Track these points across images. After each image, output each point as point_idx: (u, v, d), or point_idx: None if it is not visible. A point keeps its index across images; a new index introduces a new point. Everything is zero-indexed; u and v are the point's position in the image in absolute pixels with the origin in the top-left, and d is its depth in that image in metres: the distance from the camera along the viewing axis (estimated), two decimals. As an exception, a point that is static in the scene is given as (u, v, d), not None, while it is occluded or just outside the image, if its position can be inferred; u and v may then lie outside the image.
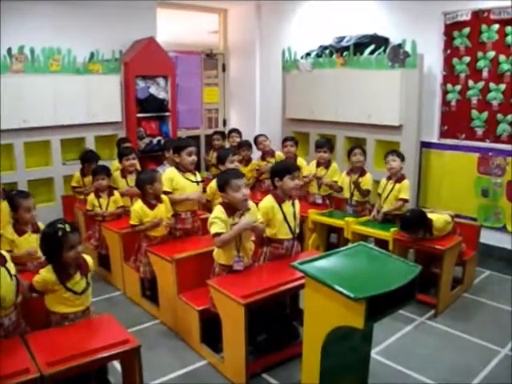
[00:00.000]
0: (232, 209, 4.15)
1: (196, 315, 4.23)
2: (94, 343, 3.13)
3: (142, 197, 5.19)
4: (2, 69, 6.95)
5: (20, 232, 4.38)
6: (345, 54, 7.33)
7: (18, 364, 2.88)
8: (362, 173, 6.07)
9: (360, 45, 7.19)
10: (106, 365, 3.67)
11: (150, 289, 5.16)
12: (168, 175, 5.25)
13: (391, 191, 5.63)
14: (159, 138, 8.30)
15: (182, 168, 5.36)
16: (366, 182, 6.00)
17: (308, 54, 7.99)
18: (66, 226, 3.43)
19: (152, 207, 5.09)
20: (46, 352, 3.01)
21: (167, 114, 8.44)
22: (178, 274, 4.44)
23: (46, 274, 3.42)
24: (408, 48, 6.58)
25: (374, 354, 3.99)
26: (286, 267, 3.92)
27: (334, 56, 7.49)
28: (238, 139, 8.21)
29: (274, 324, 4.34)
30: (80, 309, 3.49)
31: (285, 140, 7.12)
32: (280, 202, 4.40)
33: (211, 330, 4.18)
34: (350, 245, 4.87)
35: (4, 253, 3.45)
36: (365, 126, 7.17)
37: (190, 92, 9.14)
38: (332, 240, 6.43)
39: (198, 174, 5.55)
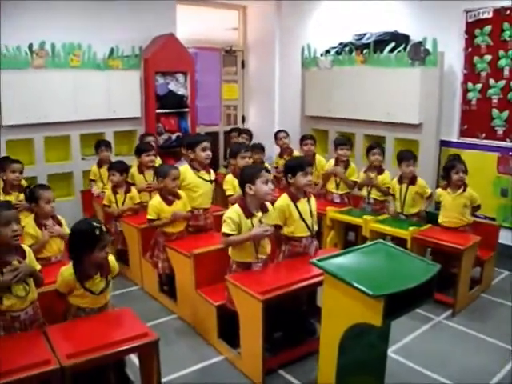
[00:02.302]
0: (250, 209, 4.14)
1: (214, 310, 4.24)
2: (113, 336, 3.14)
3: (160, 192, 5.20)
4: (23, 64, 7.01)
5: (41, 226, 4.41)
6: (365, 51, 7.31)
7: (39, 355, 2.91)
8: (380, 171, 6.07)
9: (380, 42, 7.16)
10: (123, 358, 3.69)
11: (167, 284, 5.19)
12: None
13: (406, 194, 5.64)
14: (178, 133, 8.33)
15: (196, 165, 5.35)
16: (386, 180, 5.99)
17: (327, 52, 7.98)
18: (100, 225, 3.42)
19: (169, 203, 5.10)
20: (66, 344, 3.04)
21: (186, 110, 8.46)
22: (195, 269, 4.47)
23: (66, 273, 3.44)
24: (429, 46, 6.54)
25: (390, 352, 3.97)
26: (304, 264, 3.95)
27: (354, 53, 7.48)
28: (247, 142, 8.21)
29: (291, 320, 4.34)
30: (96, 306, 3.52)
31: (303, 138, 7.07)
32: (295, 200, 4.37)
33: (228, 326, 4.19)
34: (368, 243, 4.91)
35: (25, 247, 3.49)
36: (384, 124, 7.14)
37: (209, 88, 9.14)
38: (350, 238, 6.41)
39: (212, 172, 5.55)
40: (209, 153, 5.37)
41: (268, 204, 4.26)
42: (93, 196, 6.98)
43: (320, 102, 8.04)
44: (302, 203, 4.40)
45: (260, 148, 7.31)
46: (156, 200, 5.12)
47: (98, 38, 7.59)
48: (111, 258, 3.62)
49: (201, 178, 5.35)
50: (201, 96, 8.81)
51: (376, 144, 6.33)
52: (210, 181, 5.45)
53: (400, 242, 5.04)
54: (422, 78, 6.61)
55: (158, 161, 6.73)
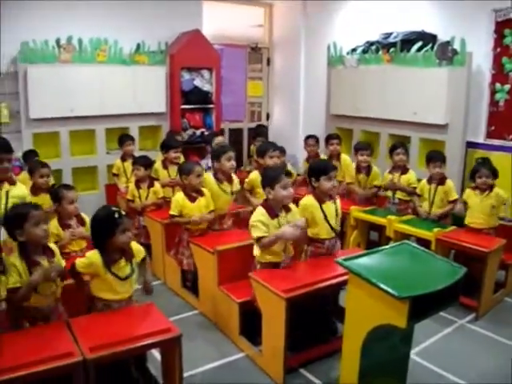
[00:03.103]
0: (274, 209, 4.15)
1: (236, 307, 4.25)
2: (136, 330, 3.15)
3: (183, 189, 5.20)
4: (50, 59, 7.10)
5: (64, 226, 4.45)
6: (391, 50, 7.25)
7: (62, 347, 2.93)
8: (404, 171, 6.03)
9: (407, 41, 7.10)
10: (145, 352, 3.70)
11: (191, 280, 5.20)
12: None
13: (435, 194, 5.59)
14: (203, 129, 8.38)
15: (220, 176, 5.34)
16: (411, 179, 5.95)
17: (354, 50, 7.93)
18: (120, 210, 3.48)
19: (193, 200, 5.07)
20: (89, 337, 3.05)
21: (211, 106, 8.51)
22: (219, 265, 4.48)
23: (93, 256, 3.43)
24: (456, 45, 6.48)
25: (412, 354, 3.94)
26: (328, 263, 3.94)
27: (381, 52, 7.42)
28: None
29: (314, 319, 4.33)
30: (124, 296, 3.50)
31: (329, 138, 7.01)
32: (320, 201, 4.37)
33: (250, 323, 4.19)
34: (392, 243, 4.87)
35: (52, 246, 3.53)
36: (410, 124, 7.08)
37: (234, 85, 9.17)
38: (372, 238, 6.38)
39: (235, 181, 5.52)
40: (233, 163, 5.35)
41: (292, 205, 4.28)
42: (117, 190, 7.02)
43: (345, 100, 8.00)
44: (328, 205, 4.39)
45: (282, 151, 7.28)
46: (179, 196, 5.10)
47: (124, 33, 7.67)
48: (134, 243, 3.64)
49: (222, 189, 5.33)
50: (226, 92, 8.84)
51: (399, 144, 6.27)
52: (231, 192, 5.43)
53: (424, 243, 5.00)
54: (449, 78, 6.54)
55: (182, 158, 6.73)
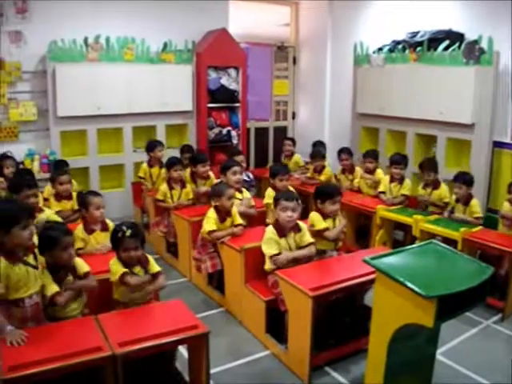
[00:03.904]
0: (282, 229, 4.41)
1: (262, 305, 4.26)
2: (165, 326, 3.18)
3: (215, 208, 5.17)
4: (78, 57, 7.18)
5: (89, 231, 4.56)
6: (418, 49, 7.19)
7: (91, 342, 2.97)
8: (436, 185, 6.02)
9: (434, 40, 7.03)
10: (174, 349, 3.74)
11: (216, 277, 5.22)
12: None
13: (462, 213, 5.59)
14: (229, 128, 8.40)
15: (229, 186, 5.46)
16: (443, 194, 5.97)
17: (380, 49, 7.89)
18: (128, 230, 3.65)
19: (222, 220, 5.12)
20: (118, 332, 3.09)
21: (237, 104, 8.54)
22: (245, 263, 4.51)
23: (114, 261, 3.66)
24: (484, 44, 6.41)
25: (437, 354, 3.92)
26: (356, 261, 3.92)
27: (407, 51, 7.37)
28: (291, 148, 8.25)
29: (340, 318, 4.34)
30: (140, 300, 3.67)
31: (366, 155, 7.01)
32: (324, 218, 4.72)
33: (275, 320, 4.21)
34: (417, 242, 4.86)
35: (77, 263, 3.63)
36: (436, 123, 7.02)
37: (260, 84, 9.20)
38: (397, 237, 6.36)
39: (244, 191, 5.85)
40: (239, 177, 5.77)
41: (301, 223, 4.51)
42: (143, 188, 7.05)
43: (372, 99, 7.97)
44: (329, 221, 4.73)
45: (321, 156, 7.39)
46: (213, 213, 5.11)
47: (151, 32, 7.73)
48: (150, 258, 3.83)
49: (235, 197, 5.45)
50: (252, 91, 8.87)
51: (428, 161, 6.29)
52: (243, 200, 5.67)
53: (450, 243, 4.97)
54: (476, 77, 6.48)
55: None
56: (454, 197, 5.70)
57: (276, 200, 4.48)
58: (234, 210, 5.24)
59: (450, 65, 6.75)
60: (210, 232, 5.04)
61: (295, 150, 8.31)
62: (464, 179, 5.57)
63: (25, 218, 3.16)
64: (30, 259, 3.27)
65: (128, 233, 3.64)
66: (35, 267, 3.29)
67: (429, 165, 6.16)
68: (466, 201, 5.57)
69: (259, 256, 4.45)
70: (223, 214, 5.13)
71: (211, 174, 6.55)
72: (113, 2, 7.52)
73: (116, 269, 3.60)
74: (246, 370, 4.02)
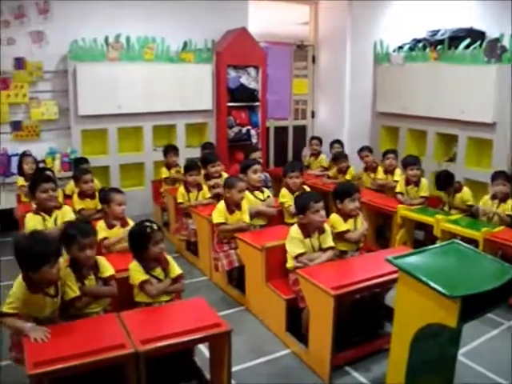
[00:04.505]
0: (308, 230, 4.38)
1: (283, 304, 4.26)
2: (187, 324, 3.19)
3: (225, 200, 5.28)
4: (99, 56, 7.23)
5: (110, 226, 4.65)
6: (439, 47, 7.15)
7: (114, 339, 2.99)
8: (458, 189, 5.98)
9: (455, 38, 6.98)
10: (192, 346, 3.77)
11: (236, 276, 5.24)
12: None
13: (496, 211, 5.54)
14: (248, 127, 8.42)
15: (249, 186, 5.55)
16: (466, 197, 5.92)
17: (400, 48, 7.85)
18: (153, 225, 3.72)
19: (231, 212, 5.20)
20: (141, 330, 3.11)
21: (257, 103, 8.55)
22: (267, 262, 4.50)
23: (134, 267, 3.67)
24: (506, 43, 6.35)
25: (459, 355, 3.90)
26: (377, 261, 3.91)
27: (428, 50, 7.33)
28: (318, 147, 8.24)
29: (361, 317, 4.33)
30: (163, 299, 3.68)
31: (386, 153, 7.01)
32: (344, 219, 4.70)
33: (296, 319, 4.21)
34: (438, 242, 4.84)
35: (100, 262, 3.66)
36: (457, 123, 6.96)
37: (279, 83, 9.21)
38: (417, 237, 6.32)
39: (266, 190, 5.83)
40: (260, 175, 5.76)
41: (325, 225, 4.49)
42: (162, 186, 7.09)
43: (392, 98, 7.94)
44: (350, 222, 4.70)
45: (344, 156, 7.39)
46: (222, 205, 5.22)
47: (171, 31, 7.77)
48: (171, 259, 3.86)
49: (256, 197, 5.60)
50: (271, 90, 8.88)
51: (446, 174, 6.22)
52: (264, 199, 5.68)
53: (471, 243, 4.93)
54: (497, 75, 6.41)
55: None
56: (489, 194, 5.66)
57: (304, 205, 4.37)
58: (245, 207, 5.28)
59: (471, 63, 6.70)
60: (218, 224, 5.12)
61: (321, 150, 8.29)
62: (506, 176, 5.56)
63: (53, 256, 3.20)
64: (51, 290, 3.31)
65: (155, 226, 3.71)
66: (54, 296, 3.34)
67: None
68: (503, 198, 5.51)
69: (280, 255, 4.46)
70: (232, 206, 5.20)
71: (224, 173, 6.57)
72: (133, 2, 7.56)
73: (136, 276, 3.62)
74: (267, 368, 4.02)
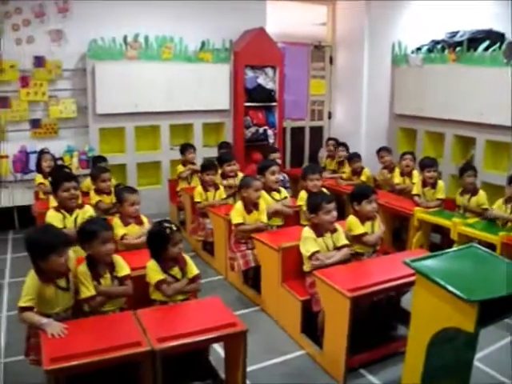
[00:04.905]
0: (320, 230, 4.40)
1: (299, 305, 4.25)
2: (203, 323, 3.19)
3: (243, 200, 5.28)
4: (117, 55, 7.27)
5: (125, 223, 4.68)
6: (457, 49, 7.12)
7: (131, 336, 3.01)
8: (474, 192, 5.93)
9: (474, 40, 6.94)
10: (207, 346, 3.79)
11: (251, 276, 5.25)
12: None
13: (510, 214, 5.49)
14: (265, 127, 8.43)
15: (266, 187, 5.53)
16: (481, 200, 5.86)
17: (419, 49, 7.83)
18: (172, 225, 3.73)
19: (249, 212, 5.20)
20: (157, 328, 3.12)
21: (274, 104, 8.54)
22: (283, 262, 4.49)
23: (152, 266, 3.67)
24: (525, 45, 6.34)
25: (474, 360, 3.88)
26: (394, 263, 3.90)
27: (446, 51, 7.29)
28: (333, 148, 8.21)
29: (376, 320, 4.33)
30: (178, 298, 3.69)
31: (403, 154, 6.96)
32: (362, 221, 4.67)
33: (310, 320, 4.20)
34: (455, 246, 4.81)
35: (116, 260, 3.68)
36: (475, 125, 6.93)
37: (296, 83, 9.20)
38: (432, 240, 6.28)
39: (283, 190, 5.81)
40: (278, 176, 5.74)
41: (336, 224, 4.49)
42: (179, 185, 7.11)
43: (409, 100, 7.92)
44: (367, 225, 4.66)
45: (358, 156, 7.36)
46: (240, 205, 5.22)
47: (189, 31, 7.80)
48: (189, 259, 3.86)
49: (273, 198, 5.60)
50: (288, 90, 8.89)
51: (469, 166, 6.18)
52: (281, 200, 5.68)
53: (489, 247, 4.90)
54: (517, 78, 6.40)
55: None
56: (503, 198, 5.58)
57: (316, 206, 4.38)
58: (263, 207, 5.28)
59: (490, 65, 6.66)
60: (237, 225, 5.12)
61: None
62: None
63: (61, 246, 3.27)
64: (62, 282, 3.36)
65: (174, 226, 3.72)
66: (66, 289, 3.38)
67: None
68: None
69: (296, 256, 4.45)
70: (250, 205, 5.20)
71: (239, 173, 6.61)
72: (152, 2, 7.59)
73: (153, 275, 3.63)
74: (281, 369, 4.02)
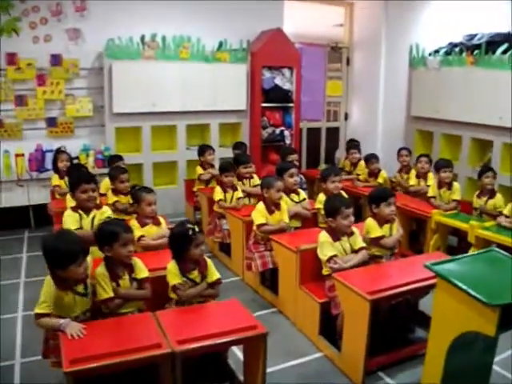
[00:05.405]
0: (336, 234, 4.38)
1: (317, 307, 4.23)
2: (223, 326, 3.19)
3: (264, 200, 5.28)
4: (134, 55, 7.28)
5: (142, 224, 4.67)
6: (475, 52, 7.08)
7: (150, 338, 3.00)
8: (492, 195, 5.90)
9: (492, 43, 6.90)
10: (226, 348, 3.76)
11: (269, 277, 5.23)
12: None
13: None
14: (282, 128, 8.42)
15: (285, 189, 5.50)
16: (498, 203, 5.83)
17: (436, 51, 7.80)
18: (195, 226, 3.71)
19: (271, 212, 5.20)
20: (177, 330, 3.12)
21: (291, 104, 8.53)
22: (301, 264, 4.48)
23: (171, 268, 3.65)
24: (544, 48, 6.28)
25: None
26: (413, 266, 3.89)
27: (464, 54, 7.26)
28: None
29: (395, 323, 4.30)
30: (195, 300, 3.67)
31: (419, 156, 6.96)
32: (380, 225, 4.63)
33: (328, 323, 4.19)
34: (472, 249, 4.77)
35: (135, 263, 3.67)
36: (491, 128, 6.89)
37: (313, 84, 9.15)
38: (449, 242, 6.23)
39: (301, 192, 5.80)
40: (296, 178, 5.71)
41: (353, 227, 4.46)
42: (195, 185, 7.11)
43: (427, 102, 7.89)
44: (385, 228, 4.62)
45: (375, 158, 7.32)
46: (262, 206, 5.22)
47: (207, 31, 7.81)
48: (210, 263, 3.82)
49: (292, 200, 5.60)
50: (305, 91, 8.84)
51: (488, 167, 6.14)
52: (300, 201, 5.66)
53: (507, 250, 4.86)
54: (535, 81, 6.34)
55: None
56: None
57: (335, 210, 4.36)
58: (284, 207, 5.28)
59: (509, 69, 6.60)
60: (260, 226, 5.11)
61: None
62: None
63: (80, 255, 3.25)
64: (80, 288, 3.35)
65: (196, 228, 3.70)
66: (84, 295, 3.38)
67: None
68: None
69: (314, 258, 4.43)
70: (271, 206, 5.20)
71: (255, 175, 6.60)
72: (169, 2, 7.62)
73: (171, 278, 3.61)
74: (299, 370, 4.00)
